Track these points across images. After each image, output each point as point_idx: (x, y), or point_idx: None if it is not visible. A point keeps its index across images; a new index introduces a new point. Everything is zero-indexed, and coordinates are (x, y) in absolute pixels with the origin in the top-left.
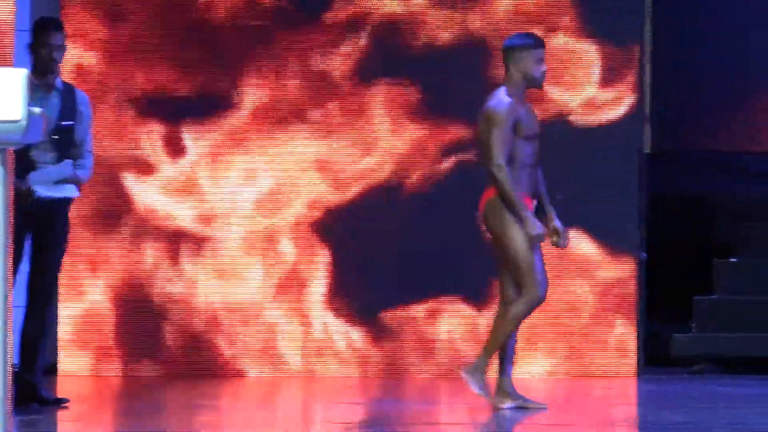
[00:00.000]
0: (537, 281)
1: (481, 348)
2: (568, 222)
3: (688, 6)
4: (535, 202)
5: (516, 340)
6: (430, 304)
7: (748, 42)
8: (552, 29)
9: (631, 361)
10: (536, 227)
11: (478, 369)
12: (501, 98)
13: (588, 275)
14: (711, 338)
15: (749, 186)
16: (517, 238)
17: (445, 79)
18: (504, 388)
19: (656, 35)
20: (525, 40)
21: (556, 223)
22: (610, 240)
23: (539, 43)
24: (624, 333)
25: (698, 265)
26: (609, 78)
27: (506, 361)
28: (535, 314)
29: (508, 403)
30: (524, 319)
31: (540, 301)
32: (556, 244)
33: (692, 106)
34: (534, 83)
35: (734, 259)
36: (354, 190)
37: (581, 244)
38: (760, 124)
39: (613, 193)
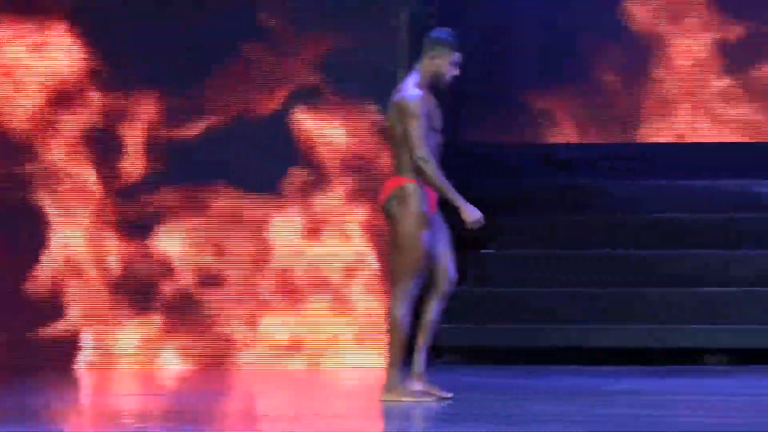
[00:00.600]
0: (414, 282)
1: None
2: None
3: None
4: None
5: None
6: None
7: (506, 39)
8: None
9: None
10: (473, 214)
11: (393, 384)
12: (412, 90)
13: None
14: (461, 329)
15: (499, 179)
16: (419, 231)
17: None
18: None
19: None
20: (447, 40)
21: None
22: None
23: (458, 48)
24: None
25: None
26: None
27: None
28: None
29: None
30: (408, 314)
31: (413, 291)
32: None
33: (443, 101)
34: (441, 82)
35: (485, 251)
36: None
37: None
38: (512, 119)
39: None
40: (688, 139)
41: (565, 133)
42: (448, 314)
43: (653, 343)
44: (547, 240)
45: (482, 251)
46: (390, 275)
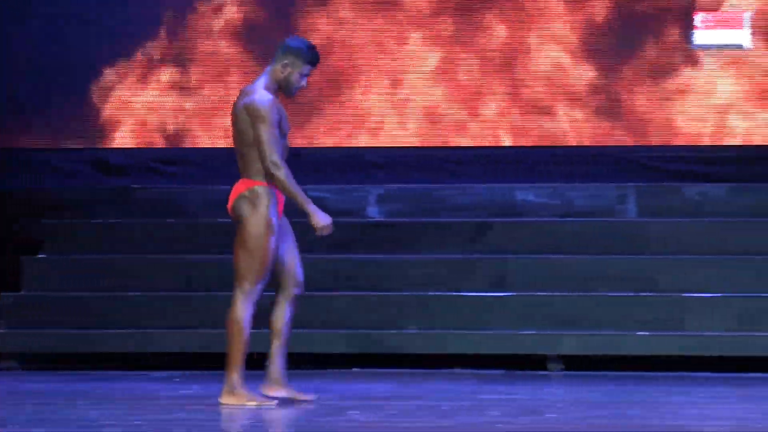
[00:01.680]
0: (258, 285)
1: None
2: None
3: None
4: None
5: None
6: None
7: (61, 41)
8: None
9: None
10: (322, 218)
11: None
12: (262, 94)
13: None
14: (17, 334)
15: (52, 181)
16: (266, 233)
17: None
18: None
19: None
20: (306, 50)
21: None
22: None
23: (315, 60)
24: None
25: (3, 262)
26: None
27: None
28: None
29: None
30: (249, 315)
31: (256, 294)
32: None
33: None
34: (288, 92)
35: (40, 256)
36: None
37: None
38: (64, 123)
39: None
40: None
41: (119, 138)
42: (2, 319)
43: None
44: (104, 244)
45: (37, 255)
46: (234, 277)
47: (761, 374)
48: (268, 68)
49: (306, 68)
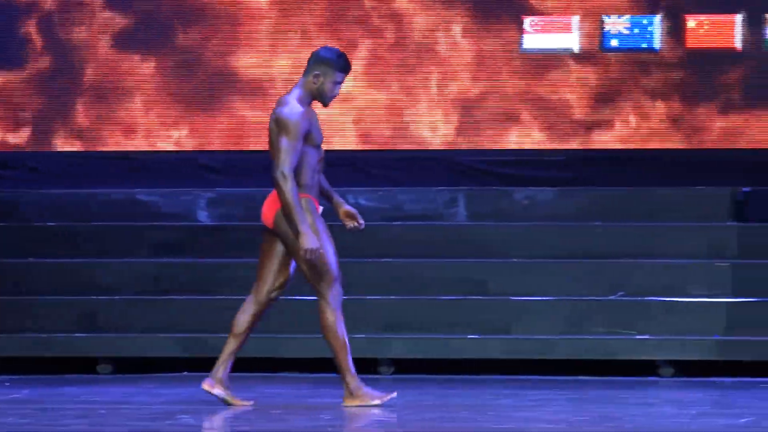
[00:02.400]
0: (334, 277)
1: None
2: None
3: None
4: (321, 207)
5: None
6: None
7: None
8: None
9: None
10: (312, 241)
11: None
12: (293, 106)
13: None
14: None
15: None
16: (320, 239)
17: None
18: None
19: None
20: (336, 59)
21: (347, 207)
22: None
23: (346, 68)
24: None
25: None
26: None
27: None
28: None
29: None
30: (340, 318)
31: (340, 293)
32: (354, 228)
33: None
34: (322, 100)
35: None
36: None
37: None
38: None
39: None
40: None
41: None
42: None
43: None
44: None
45: None
46: (313, 288)
47: (590, 377)
48: (301, 80)
49: (339, 76)
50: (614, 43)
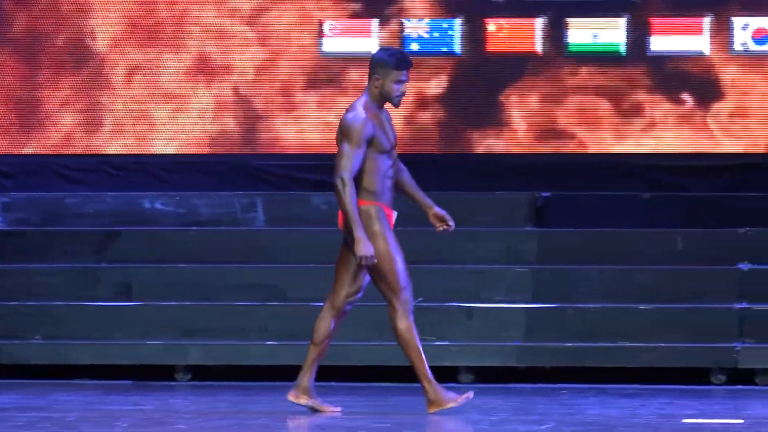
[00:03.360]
0: (402, 286)
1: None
2: None
3: None
4: (395, 213)
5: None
6: None
7: None
8: None
9: None
10: (366, 248)
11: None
12: (357, 112)
13: None
14: None
15: None
16: (386, 246)
17: None
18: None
19: None
20: (388, 58)
21: (437, 210)
22: None
23: (402, 64)
24: None
25: None
26: None
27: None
28: None
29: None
30: (411, 326)
31: (408, 301)
32: (444, 231)
33: None
34: (391, 102)
35: None
36: None
37: None
38: None
39: None
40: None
41: None
42: None
43: None
44: None
45: None
46: (384, 295)
47: (392, 384)
48: (367, 85)
49: (400, 74)
50: (414, 47)
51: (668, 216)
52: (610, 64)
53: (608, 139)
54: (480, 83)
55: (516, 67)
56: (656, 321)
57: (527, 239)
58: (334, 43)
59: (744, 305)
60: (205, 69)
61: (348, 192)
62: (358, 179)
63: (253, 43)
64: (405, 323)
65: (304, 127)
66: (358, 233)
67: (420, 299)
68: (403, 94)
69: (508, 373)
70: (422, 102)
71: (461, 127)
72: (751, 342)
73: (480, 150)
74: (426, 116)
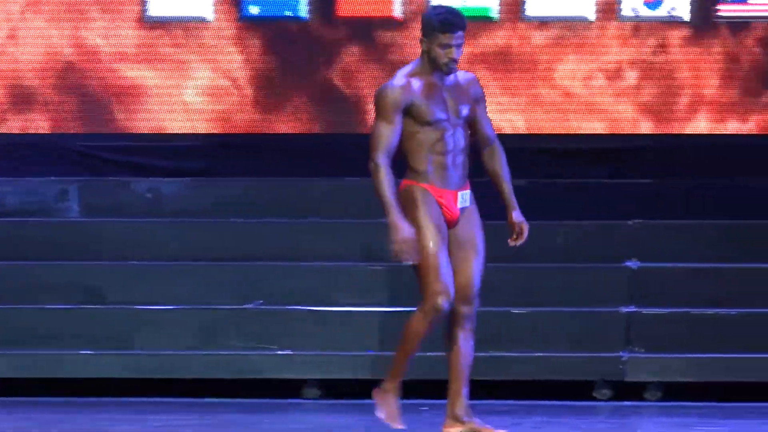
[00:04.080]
0: (435, 290)
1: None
2: None
3: None
4: (460, 194)
5: None
6: None
7: None
8: None
9: None
10: (401, 233)
11: (385, 391)
12: (394, 80)
13: None
14: None
15: None
16: (422, 238)
17: None
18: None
19: None
20: (432, 19)
21: (515, 216)
22: None
23: (446, 27)
24: None
25: None
26: None
27: None
28: None
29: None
30: (424, 332)
31: (437, 311)
32: (514, 243)
33: None
34: (440, 69)
35: None
36: None
37: None
38: None
39: None
40: None
41: None
42: None
43: None
44: None
45: None
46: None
47: (226, 399)
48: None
49: (445, 37)
50: (254, 10)
51: (546, 206)
52: (482, 32)
53: None
54: (328, 52)
55: (367, 34)
56: (531, 327)
57: (382, 233)
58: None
59: (632, 309)
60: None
61: (380, 177)
62: (404, 157)
63: None
64: (419, 325)
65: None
66: (392, 218)
67: (259, 302)
68: (453, 60)
69: (361, 387)
70: (260, 74)
71: (307, 103)
72: (640, 351)
73: (329, 130)
74: (268, 90)
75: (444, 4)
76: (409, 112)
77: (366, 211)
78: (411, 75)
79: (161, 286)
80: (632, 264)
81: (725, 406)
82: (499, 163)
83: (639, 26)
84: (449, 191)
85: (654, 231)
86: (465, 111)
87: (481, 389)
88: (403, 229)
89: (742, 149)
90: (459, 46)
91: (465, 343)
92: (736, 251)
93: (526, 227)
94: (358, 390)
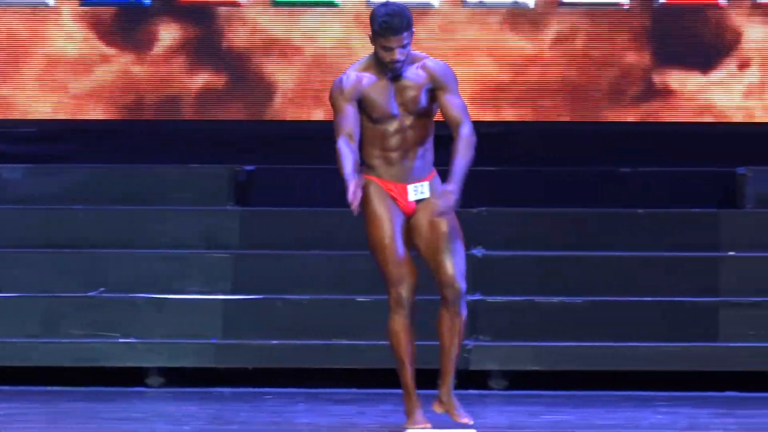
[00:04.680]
0: (391, 280)
1: None
2: None
3: None
4: (411, 187)
5: None
6: None
7: None
8: None
9: None
10: (350, 193)
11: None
12: (345, 74)
13: None
14: None
15: None
16: (373, 229)
17: None
18: None
19: None
20: (372, 22)
21: (444, 186)
22: None
23: (384, 31)
24: None
25: None
26: None
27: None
28: None
29: None
30: (400, 328)
31: (397, 301)
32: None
33: None
34: (388, 69)
35: None
36: None
37: None
38: None
39: None
40: None
41: None
42: None
43: None
44: None
45: None
46: None
47: (69, 387)
48: None
49: (386, 40)
50: None
51: None
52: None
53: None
54: (170, 34)
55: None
56: (375, 315)
57: (227, 220)
58: None
59: (477, 296)
60: None
61: (336, 154)
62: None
63: None
64: (392, 324)
65: None
66: (346, 179)
67: (101, 289)
68: (396, 61)
69: (204, 375)
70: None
71: (150, 90)
72: (485, 339)
73: (173, 117)
74: (105, 76)
75: None
76: (361, 106)
77: (210, 198)
78: (362, 69)
79: (2, 273)
80: (477, 252)
81: (572, 395)
82: (456, 147)
83: (485, 11)
84: (399, 184)
85: (498, 218)
86: (422, 103)
87: (326, 378)
88: (349, 182)
89: (570, 138)
90: (403, 46)
91: (450, 324)
92: (580, 239)
93: (446, 200)
94: (202, 378)
